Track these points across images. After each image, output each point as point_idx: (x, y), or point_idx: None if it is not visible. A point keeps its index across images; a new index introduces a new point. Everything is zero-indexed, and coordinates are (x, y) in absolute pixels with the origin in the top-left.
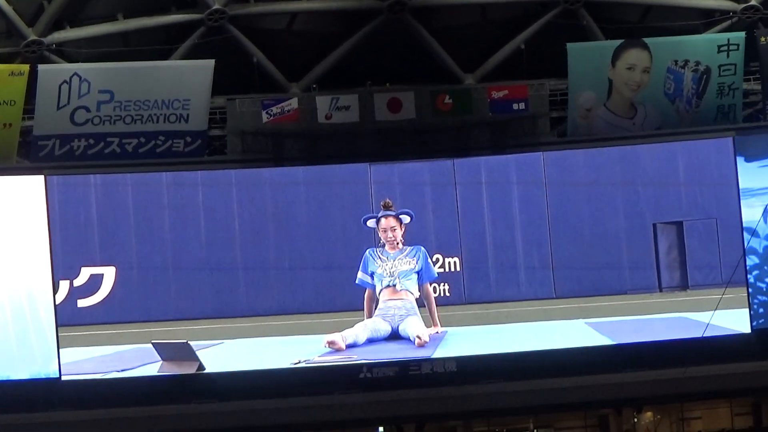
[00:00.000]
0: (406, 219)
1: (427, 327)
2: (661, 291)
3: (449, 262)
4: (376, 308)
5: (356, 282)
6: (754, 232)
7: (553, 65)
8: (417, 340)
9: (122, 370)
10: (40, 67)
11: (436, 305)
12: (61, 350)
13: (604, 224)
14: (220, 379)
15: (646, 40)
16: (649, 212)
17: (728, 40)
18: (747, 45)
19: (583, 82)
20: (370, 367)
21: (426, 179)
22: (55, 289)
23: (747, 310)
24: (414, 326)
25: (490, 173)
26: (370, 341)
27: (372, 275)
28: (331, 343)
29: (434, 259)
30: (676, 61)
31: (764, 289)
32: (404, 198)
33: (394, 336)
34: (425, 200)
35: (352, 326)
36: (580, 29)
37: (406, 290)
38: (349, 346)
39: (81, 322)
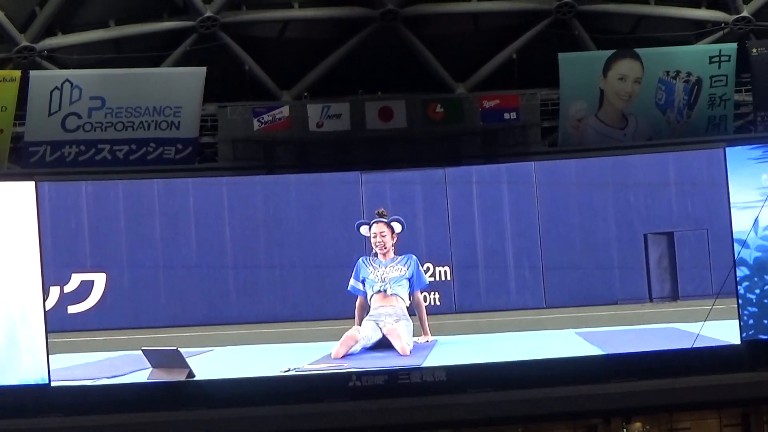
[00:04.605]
0: (397, 227)
1: (417, 335)
2: (651, 301)
3: (440, 271)
4: (367, 315)
5: (348, 289)
6: (744, 243)
7: (545, 75)
8: (401, 348)
9: (112, 377)
10: (32, 73)
11: (427, 314)
12: (50, 356)
13: (595, 234)
14: (209, 387)
15: (638, 50)
16: (640, 222)
17: (720, 51)
18: (738, 56)
19: (574, 91)
20: (360, 375)
21: (417, 188)
22: (46, 296)
23: (737, 321)
24: (400, 334)
25: (481, 182)
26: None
27: (364, 282)
28: (348, 341)
29: (425, 268)
30: (667, 72)
31: (754, 301)
32: (395, 206)
33: (383, 342)
34: (416, 209)
35: (341, 336)
36: (572, 39)
37: (397, 296)
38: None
39: (71, 328)
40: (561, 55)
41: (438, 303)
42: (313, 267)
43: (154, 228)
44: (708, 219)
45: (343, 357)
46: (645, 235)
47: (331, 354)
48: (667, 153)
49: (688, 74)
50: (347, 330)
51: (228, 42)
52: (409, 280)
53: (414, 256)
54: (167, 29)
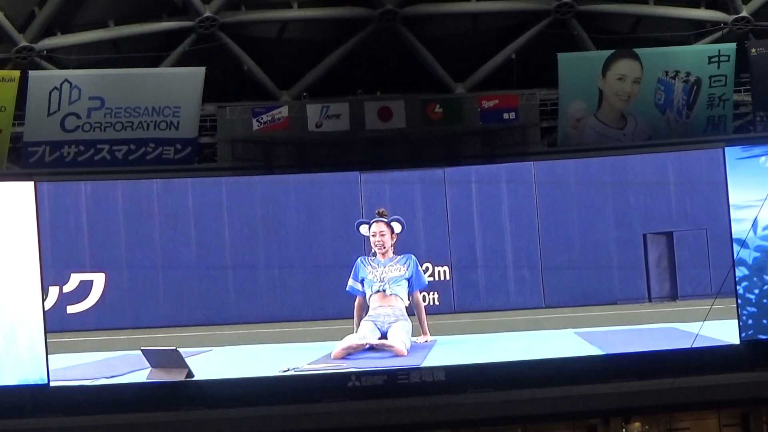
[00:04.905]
0: (397, 227)
1: (417, 335)
2: (650, 301)
3: (439, 271)
4: (366, 315)
5: (347, 289)
6: (743, 243)
7: (544, 75)
8: (397, 346)
9: (111, 377)
10: (31, 73)
11: (426, 314)
12: (49, 356)
13: (595, 234)
14: (209, 387)
15: (637, 50)
16: (639, 222)
17: (719, 51)
18: (737, 56)
19: (573, 92)
20: (359, 375)
21: (416, 188)
22: (45, 296)
23: (736, 321)
24: (396, 333)
25: (480, 182)
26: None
27: (362, 282)
28: (349, 349)
29: (424, 268)
30: (666, 72)
31: (753, 301)
32: (395, 206)
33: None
34: (415, 209)
35: (343, 337)
36: (571, 39)
37: (396, 295)
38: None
39: (70, 328)
40: (560, 55)
41: (437, 303)
42: (312, 267)
43: (153, 228)
44: (707, 219)
45: (342, 358)
46: (644, 235)
47: (330, 354)
48: (667, 153)
49: (688, 74)
50: (346, 330)
51: (227, 42)
52: (409, 281)
53: (413, 256)
54: (166, 29)
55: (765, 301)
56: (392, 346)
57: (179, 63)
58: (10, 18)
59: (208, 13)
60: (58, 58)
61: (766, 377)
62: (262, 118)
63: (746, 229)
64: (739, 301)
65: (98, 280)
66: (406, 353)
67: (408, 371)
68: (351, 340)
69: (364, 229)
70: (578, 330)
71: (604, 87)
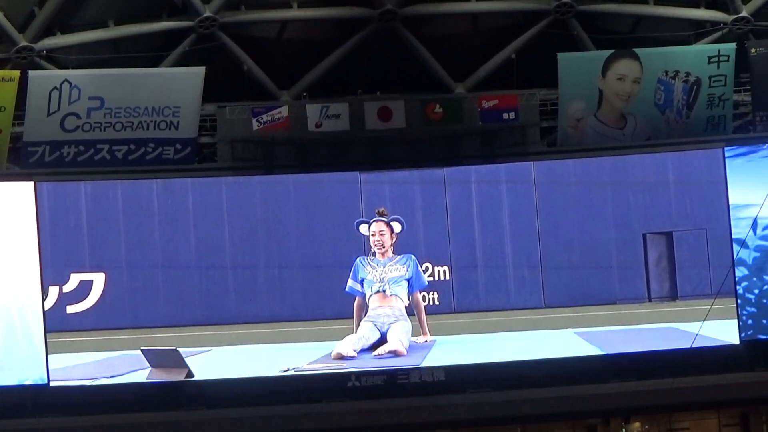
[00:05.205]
0: (396, 227)
1: (416, 335)
2: (650, 301)
3: (439, 271)
4: (365, 316)
5: (346, 290)
6: (743, 243)
7: (544, 75)
8: (396, 347)
9: (111, 377)
10: (31, 73)
11: (426, 314)
12: (49, 356)
13: (594, 234)
14: (208, 387)
15: (637, 50)
16: (638, 222)
17: (719, 51)
18: (737, 56)
19: (573, 92)
20: (359, 375)
21: (416, 188)
22: (45, 295)
23: (736, 321)
24: (396, 333)
25: (480, 182)
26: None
27: (362, 282)
28: (339, 356)
29: (424, 268)
30: (666, 72)
31: (753, 301)
32: (394, 206)
33: (383, 342)
34: (415, 209)
35: (343, 338)
36: (571, 39)
37: (396, 296)
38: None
39: (70, 328)
40: (560, 55)
41: (437, 303)
42: (312, 267)
43: (153, 228)
44: (707, 219)
45: (341, 358)
46: (644, 235)
47: (330, 354)
48: (666, 153)
49: (687, 74)
50: (346, 330)
51: (227, 42)
52: (409, 281)
53: (413, 257)
54: (166, 29)
55: (765, 301)
56: (394, 350)
57: (179, 63)
58: (10, 18)
59: (208, 13)
60: (58, 58)
61: (766, 377)
62: (261, 118)
63: (746, 229)
64: (739, 301)
65: (98, 280)
66: (405, 353)
67: (408, 371)
68: (350, 341)
69: (363, 229)
70: (578, 330)
71: (603, 87)
